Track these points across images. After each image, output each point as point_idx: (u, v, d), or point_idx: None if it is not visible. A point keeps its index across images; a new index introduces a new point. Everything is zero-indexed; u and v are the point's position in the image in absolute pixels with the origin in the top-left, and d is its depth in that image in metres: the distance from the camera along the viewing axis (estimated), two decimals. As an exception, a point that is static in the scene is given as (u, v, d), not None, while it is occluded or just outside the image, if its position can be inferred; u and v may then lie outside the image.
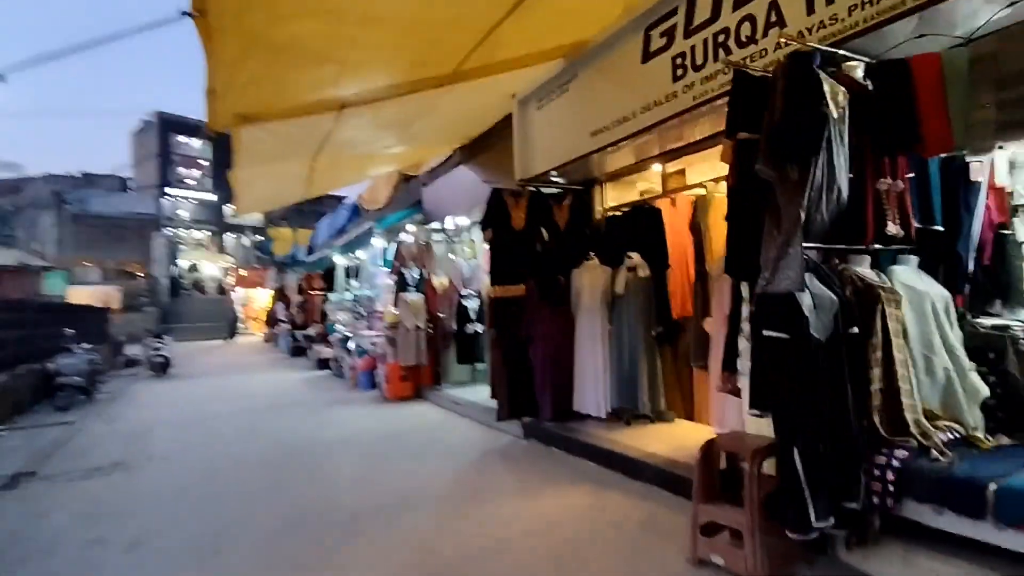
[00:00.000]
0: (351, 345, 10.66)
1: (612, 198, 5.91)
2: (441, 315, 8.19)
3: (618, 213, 5.68)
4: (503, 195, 5.51)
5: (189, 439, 6.42)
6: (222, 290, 34.89)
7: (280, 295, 21.10)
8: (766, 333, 2.63)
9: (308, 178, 6.09)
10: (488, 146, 7.00)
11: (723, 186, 4.53)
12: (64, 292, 25.12)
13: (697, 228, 4.47)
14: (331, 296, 13.65)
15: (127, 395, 10.19)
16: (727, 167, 3.00)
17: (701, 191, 4.77)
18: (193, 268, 40.81)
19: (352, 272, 14.21)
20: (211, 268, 42.06)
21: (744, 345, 3.09)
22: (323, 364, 12.82)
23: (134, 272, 34.80)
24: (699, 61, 3.65)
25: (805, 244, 2.58)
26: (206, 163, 45.07)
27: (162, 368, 12.75)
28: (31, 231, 37.35)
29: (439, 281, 8.42)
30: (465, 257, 8.41)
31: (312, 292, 15.59)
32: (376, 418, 7.22)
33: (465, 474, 4.75)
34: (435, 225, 8.72)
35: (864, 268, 2.94)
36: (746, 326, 3.07)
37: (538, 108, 5.45)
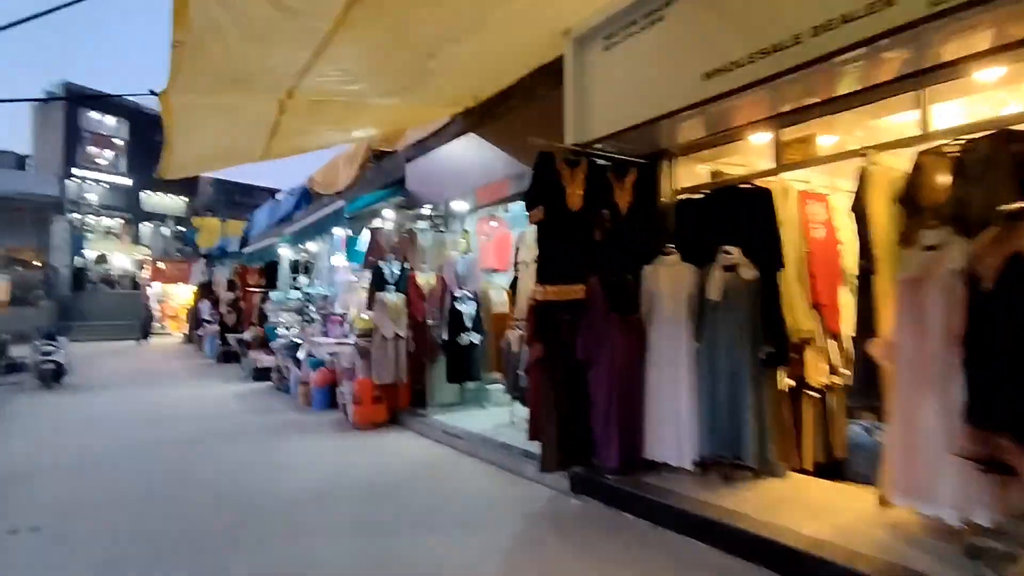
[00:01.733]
0: (300, 354, 8.80)
1: (688, 176, 4.56)
2: (429, 321, 6.57)
3: (697, 196, 4.34)
4: (555, 162, 4.03)
5: (80, 497, 4.49)
6: (136, 284, 31.09)
7: (206, 291, 18.52)
8: None
9: (274, 125, 4.37)
10: (504, 111, 5.52)
11: (892, 155, 3.28)
12: (-65, 281, 21.29)
13: (861, 212, 3.18)
14: (272, 294, 11.62)
15: (1, 417, 7.87)
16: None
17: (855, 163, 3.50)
18: (102, 259, 36.45)
19: (300, 267, 12.23)
20: (123, 260, 37.82)
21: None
22: (261, 374, 10.79)
23: (28, 261, 30.47)
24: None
25: None
26: (121, 143, 40.68)
27: (53, 377, 10.30)
28: (-99, 210, 32.14)
29: (424, 279, 6.80)
30: (459, 250, 6.84)
31: (248, 289, 13.42)
32: (348, 455, 5.52)
33: (517, 567, 3.21)
34: (421, 211, 7.11)
35: None
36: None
37: (606, 48, 4.03)
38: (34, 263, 29.01)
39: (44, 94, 41.03)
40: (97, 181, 38.96)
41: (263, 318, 12.02)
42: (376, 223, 7.40)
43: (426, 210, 7.10)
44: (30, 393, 9.91)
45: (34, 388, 10.18)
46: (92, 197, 37.81)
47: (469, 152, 6.17)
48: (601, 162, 4.33)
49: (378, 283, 6.63)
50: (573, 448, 3.93)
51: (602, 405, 3.88)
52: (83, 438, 6.45)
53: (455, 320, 6.52)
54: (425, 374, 6.90)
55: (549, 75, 4.80)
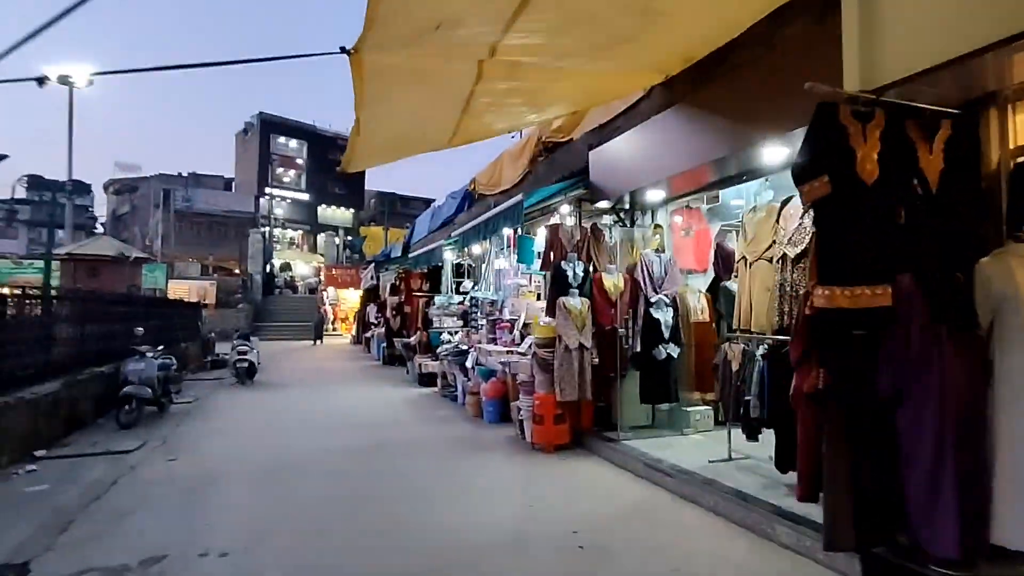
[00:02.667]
0: (468, 362, 8.38)
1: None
2: (620, 331, 5.66)
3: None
4: (838, 116, 2.90)
5: (266, 515, 4.24)
6: (312, 289, 34.34)
7: (372, 296, 19.47)
8: None
9: (468, 98, 3.77)
10: (720, 75, 4.45)
11: None
12: (163, 286, 24.98)
13: None
14: (436, 299, 11.52)
15: (204, 410, 8.41)
16: None
17: None
18: (286, 267, 40.91)
19: (464, 271, 12.04)
20: (303, 267, 42.13)
21: None
22: (426, 379, 10.69)
23: (231, 269, 35.06)
24: None
25: None
26: (301, 162, 45.52)
27: (247, 375, 11.08)
28: (143, 228, 38.83)
29: (611, 281, 5.91)
30: (651, 247, 5.84)
31: (412, 293, 13.59)
32: (537, 486, 4.78)
33: None
34: (606, 204, 6.24)
35: None
36: None
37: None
38: (234, 271, 33.28)
39: (244, 125, 47.56)
40: (283, 198, 43.97)
41: (427, 322, 12.00)
42: (554, 220, 6.68)
43: (608, 203, 6.20)
44: (228, 388, 10.73)
45: (232, 384, 11.02)
46: (279, 211, 42.56)
47: (665, 133, 5.17)
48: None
49: (559, 286, 5.87)
50: (873, 520, 2.75)
51: (925, 462, 2.66)
52: (272, 441, 6.48)
53: (650, 329, 5.54)
54: (611, 391, 6.00)
55: (798, 11, 3.68)
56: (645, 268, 5.64)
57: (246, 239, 34.80)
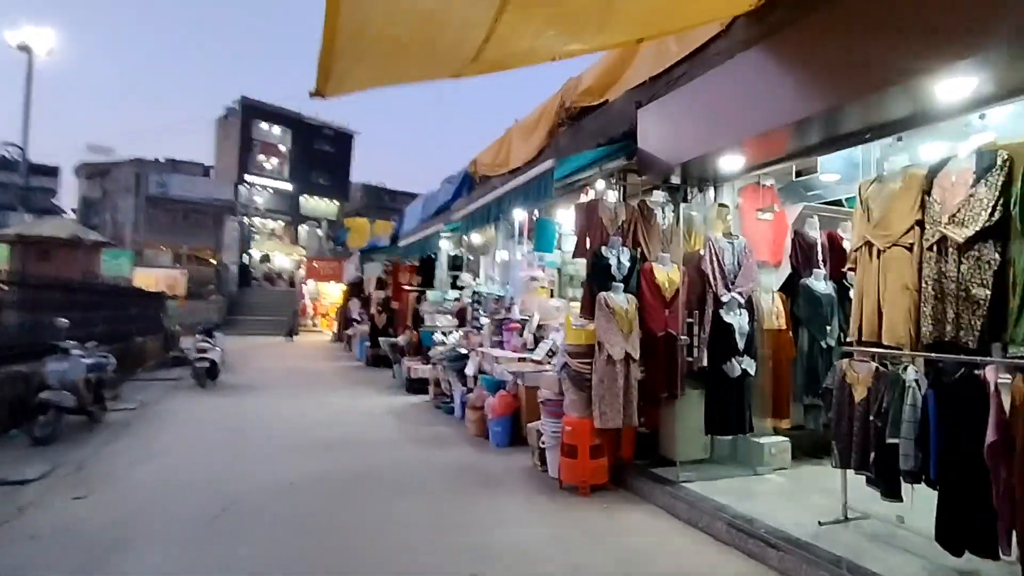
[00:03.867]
0: (469, 369, 7.03)
1: None
2: (681, 338, 4.35)
3: None
4: None
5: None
6: (293, 283, 32.61)
7: (356, 290, 18.00)
8: None
9: (496, 15, 2.46)
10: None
11: None
12: (128, 274, 23.22)
13: None
14: (429, 294, 10.15)
15: (147, 420, 6.94)
16: None
17: None
18: (265, 258, 39.07)
19: (461, 263, 10.69)
20: (283, 259, 40.31)
21: None
22: (416, 385, 9.30)
23: (206, 259, 33.18)
24: None
25: None
26: (284, 150, 43.66)
27: (208, 375, 9.59)
28: (115, 214, 36.74)
29: (665, 274, 4.60)
30: (717, 232, 4.54)
31: (402, 288, 12.20)
32: (577, 553, 3.45)
33: None
34: (657, 177, 4.92)
35: None
36: None
37: None
38: (210, 261, 31.41)
39: (225, 110, 45.55)
40: (264, 187, 42.04)
41: (418, 320, 10.62)
42: (586, 196, 5.35)
43: (657, 178, 4.89)
44: (186, 391, 9.25)
45: (190, 386, 9.54)
46: (259, 201, 40.70)
47: (749, 80, 3.87)
48: None
49: (599, 279, 4.54)
50: None
51: None
52: (223, 468, 5.07)
53: (720, 337, 4.24)
54: (658, 414, 4.70)
55: None
56: (715, 258, 4.33)
57: (223, 228, 33.02)
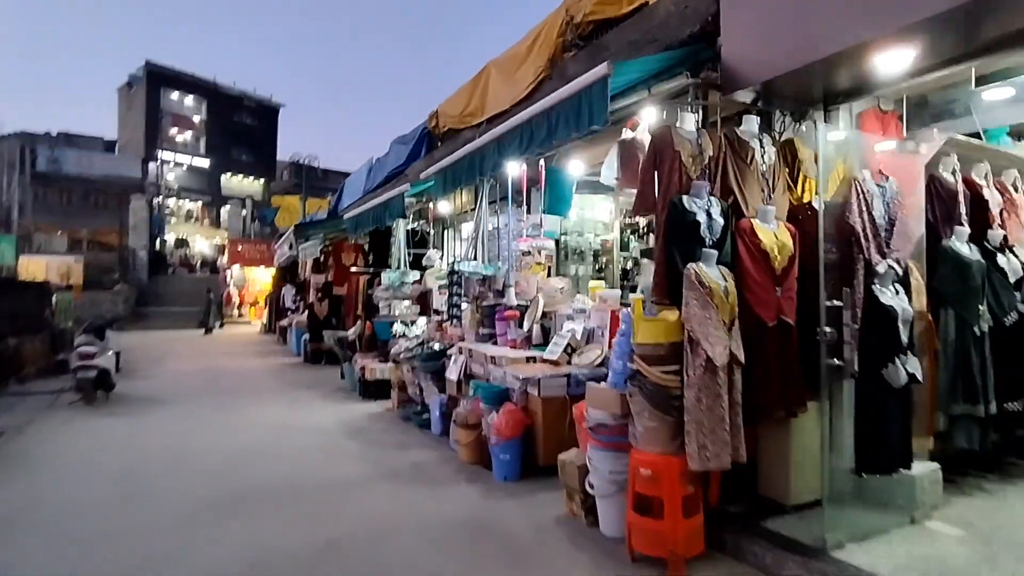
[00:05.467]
0: (452, 372, 5.37)
1: None
2: (826, 331, 2.87)
3: None
4: None
5: None
6: (215, 269, 29.31)
7: (289, 274, 15.76)
8: None
9: None
10: None
11: None
12: (11, 261, 19.77)
13: None
14: (385, 276, 8.34)
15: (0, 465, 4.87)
16: None
17: None
18: (182, 243, 35.23)
19: (422, 237, 8.91)
20: (203, 244, 36.56)
21: None
22: (372, 390, 7.54)
23: (111, 244, 29.24)
24: None
25: None
26: (199, 122, 39.46)
27: (98, 387, 7.43)
28: (-3, 193, 31.82)
29: (771, 236, 3.11)
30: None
31: (347, 270, 10.27)
32: None
33: None
34: (746, 96, 3.40)
35: None
36: None
37: None
38: (113, 245, 27.62)
39: (128, 78, 40.52)
40: (177, 163, 37.76)
41: (371, 309, 8.80)
42: (629, 133, 3.77)
43: (747, 95, 3.38)
44: (69, 410, 7.08)
45: (73, 402, 7.35)
46: (172, 178, 36.61)
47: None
48: None
49: (683, 242, 2.99)
50: None
51: None
52: (96, 548, 3.22)
53: (879, 327, 2.80)
54: (761, 437, 3.26)
55: None
56: (864, 207, 2.87)
57: (130, 209, 29.20)
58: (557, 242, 6.19)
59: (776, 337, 3.06)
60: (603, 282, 5.80)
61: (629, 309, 3.13)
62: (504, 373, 4.68)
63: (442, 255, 8.22)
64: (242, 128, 41.64)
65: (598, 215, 6.52)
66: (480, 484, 4.23)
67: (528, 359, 4.67)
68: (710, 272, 2.96)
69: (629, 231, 6.53)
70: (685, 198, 3.05)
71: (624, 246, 6.42)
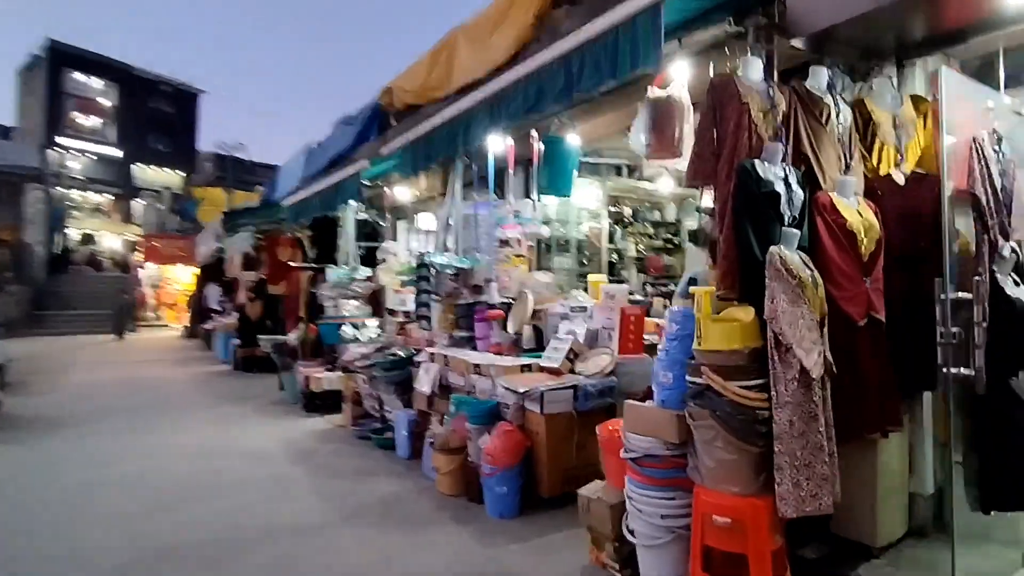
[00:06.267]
0: (424, 384, 4.52)
1: None
2: (939, 331, 2.27)
3: None
4: None
5: None
6: (127, 267, 26.60)
7: (214, 272, 14.22)
8: None
9: None
10: None
11: None
12: None
13: None
14: (331, 273, 7.33)
15: None
16: None
17: None
18: (88, 239, 31.96)
19: (371, 229, 7.94)
20: (113, 240, 33.34)
21: None
22: (318, 403, 6.54)
23: (6, 240, 25.95)
24: None
25: None
26: (109, 106, 35.96)
27: (-27, 410, 6.05)
28: None
29: (855, 213, 2.50)
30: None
31: (285, 266, 9.13)
32: None
33: None
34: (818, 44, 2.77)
35: None
36: None
37: None
38: (5, 240, 24.47)
39: (30, 57, 36.30)
40: (82, 151, 34.16)
41: (315, 310, 7.76)
42: (660, 93, 3.08)
43: (803, 45, 2.77)
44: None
45: (-60, 429, 5.93)
46: (76, 167, 33.15)
47: None
48: None
49: (759, 218, 2.32)
50: None
51: None
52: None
53: (1006, 329, 2.23)
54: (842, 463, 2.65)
55: None
56: (986, 173, 2.30)
57: (25, 201, 26.04)
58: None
59: (867, 339, 2.45)
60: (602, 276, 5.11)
61: (688, 305, 2.43)
62: (493, 385, 3.89)
63: (396, 251, 7.30)
64: (158, 114, 38.28)
65: (584, 201, 5.82)
66: (472, 524, 3.43)
67: (523, 368, 3.91)
68: (795, 259, 2.30)
69: (613, 221, 5.88)
70: (758, 163, 2.38)
71: (611, 237, 5.76)
